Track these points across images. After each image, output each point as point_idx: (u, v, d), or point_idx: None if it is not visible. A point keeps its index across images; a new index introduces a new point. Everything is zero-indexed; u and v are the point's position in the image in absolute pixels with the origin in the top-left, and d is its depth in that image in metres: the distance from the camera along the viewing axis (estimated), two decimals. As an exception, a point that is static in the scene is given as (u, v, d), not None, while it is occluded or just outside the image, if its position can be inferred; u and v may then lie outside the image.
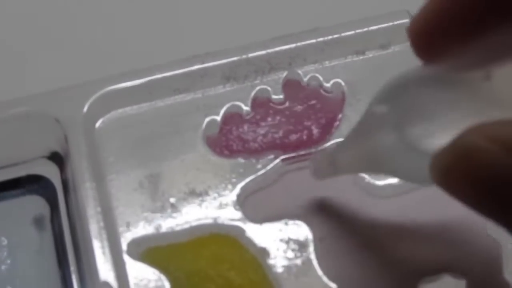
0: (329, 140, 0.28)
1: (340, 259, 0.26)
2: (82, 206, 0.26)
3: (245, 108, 0.28)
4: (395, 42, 0.29)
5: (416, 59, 0.19)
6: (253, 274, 0.25)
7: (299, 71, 0.29)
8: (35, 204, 0.28)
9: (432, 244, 0.26)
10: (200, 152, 0.28)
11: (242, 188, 0.27)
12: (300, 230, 0.26)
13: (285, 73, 0.29)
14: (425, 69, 0.19)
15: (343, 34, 0.29)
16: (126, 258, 0.26)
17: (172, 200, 0.27)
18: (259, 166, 0.27)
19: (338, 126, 0.28)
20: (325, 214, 0.27)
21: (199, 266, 0.25)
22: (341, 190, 0.27)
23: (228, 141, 0.28)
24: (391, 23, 0.29)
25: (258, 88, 0.29)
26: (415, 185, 0.25)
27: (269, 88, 0.29)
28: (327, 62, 0.29)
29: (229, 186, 0.27)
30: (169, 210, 0.27)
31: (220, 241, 0.26)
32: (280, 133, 0.28)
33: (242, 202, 0.27)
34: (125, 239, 0.26)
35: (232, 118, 0.28)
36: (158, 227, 0.26)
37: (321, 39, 0.29)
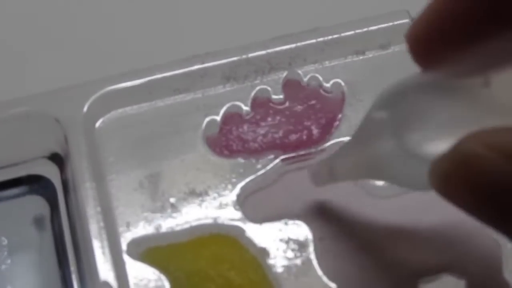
0: (329, 140, 0.28)
1: (340, 259, 0.26)
2: (82, 206, 0.26)
3: (245, 108, 0.28)
4: (395, 42, 0.29)
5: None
6: (253, 274, 0.25)
7: (299, 71, 0.29)
8: (35, 204, 0.28)
9: (432, 244, 0.26)
10: (200, 152, 0.28)
11: (242, 188, 0.27)
12: (300, 230, 0.26)
13: (285, 73, 0.29)
14: (423, 75, 0.19)
15: (343, 34, 0.29)
16: (126, 258, 0.26)
17: (172, 200, 0.27)
18: (259, 166, 0.27)
19: (338, 126, 0.28)
20: (325, 214, 0.27)
21: (199, 266, 0.25)
22: (341, 190, 0.27)
23: (228, 141, 0.28)
24: (391, 23, 0.29)
25: (258, 88, 0.29)
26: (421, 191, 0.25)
27: (269, 88, 0.29)
28: (327, 62, 0.29)
29: (229, 186, 0.27)
30: (169, 210, 0.27)
31: (220, 241, 0.26)
32: (280, 133, 0.28)
33: (242, 202, 0.27)
34: (125, 239, 0.26)
35: (232, 118, 0.28)
36: (158, 227, 0.26)
37: (321, 39, 0.29)
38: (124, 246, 0.26)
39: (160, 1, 0.35)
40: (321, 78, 0.29)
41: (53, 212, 0.28)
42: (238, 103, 0.28)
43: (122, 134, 0.28)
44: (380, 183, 0.27)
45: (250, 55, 0.29)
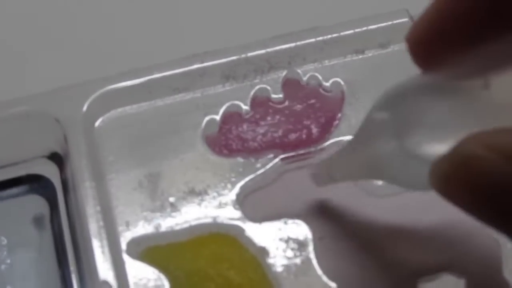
0: (328, 139, 0.28)
1: (339, 258, 0.26)
2: (82, 206, 0.26)
3: (245, 107, 0.28)
4: (395, 41, 0.29)
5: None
6: (252, 273, 0.25)
7: (299, 70, 0.29)
8: (34, 204, 0.28)
9: (432, 244, 0.26)
10: (199, 151, 0.28)
11: (242, 187, 0.27)
12: (300, 229, 0.26)
13: (284, 72, 0.29)
14: (424, 77, 0.19)
15: (342, 33, 0.29)
16: (126, 257, 0.26)
17: (171, 199, 0.27)
18: (258, 165, 0.27)
19: (337, 125, 0.28)
20: (324, 213, 0.27)
21: (199, 265, 0.25)
22: (340, 189, 0.27)
23: (227, 140, 0.28)
24: (390, 22, 0.29)
25: (257, 87, 0.29)
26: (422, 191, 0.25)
27: (268, 87, 0.29)
28: (326, 61, 0.29)
29: (229, 185, 0.27)
30: (168, 210, 0.27)
31: (219, 240, 0.26)
32: (280, 132, 0.28)
33: (241, 201, 0.27)
34: (125, 238, 0.26)
35: (232, 117, 0.28)
36: (157, 227, 0.26)
37: (320, 38, 0.29)
38: (123, 246, 0.26)
39: (160, 0, 0.35)
40: (320, 77, 0.29)
41: (53, 211, 0.28)
42: (237, 102, 0.28)
43: (121, 134, 0.28)
44: (380, 183, 0.27)
45: (250, 54, 0.29)
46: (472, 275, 0.25)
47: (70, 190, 0.27)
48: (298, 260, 0.26)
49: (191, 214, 0.27)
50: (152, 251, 0.26)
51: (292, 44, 0.29)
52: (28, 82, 0.33)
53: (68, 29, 0.34)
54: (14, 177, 0.28)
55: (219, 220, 0.26)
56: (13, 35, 0.34)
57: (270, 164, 0.27)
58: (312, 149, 0.28)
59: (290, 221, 0.26)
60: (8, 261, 0.27)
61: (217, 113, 0.28)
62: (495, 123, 0.16)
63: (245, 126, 0.28)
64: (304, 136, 0.28)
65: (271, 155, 0.28)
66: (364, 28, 0.29)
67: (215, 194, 0.27)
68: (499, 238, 0.26)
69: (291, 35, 0.29)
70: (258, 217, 0.26)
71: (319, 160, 0.27)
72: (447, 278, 0.26)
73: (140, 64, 0.29)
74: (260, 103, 0.29)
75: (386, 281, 0.26)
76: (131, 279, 0.25)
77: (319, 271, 0.25)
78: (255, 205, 0.27)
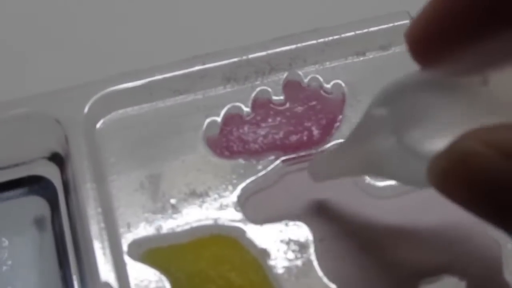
0: (329, 141, 0.28)
1: (340, 260, 0.26)
2: (83, 207, 0.26)
3: (246, 109, 0.28)
4: (396, 43, 0.29)
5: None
6: (253, 275, 0.25)
7: (300, 72, 0.29)
8: (35, 205, 0.28)
9: (432, 245, 0.26)
10: (200, 153, 0.28)
11: (243, 189, 0.27)
12: (301, 231, 0.26)
13: (285, 74, 0.29)
14: (423, 73, 0.19)
15: (343, 35, 0.29)
16: (127, 259, 0.26)
17: (172, 201, 0.27)
18: (259, 167, 0.27)
19: (338, 127, 0.28)
20: (325, 215, 0.27)
21: (200, 267, 0.25)
22: (341, 191, 0.27)
23: (228, 142, 0.28)
24: (391, 24, 0.29)
25: (258, 89, 0.29)
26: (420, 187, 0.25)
27: (269, 89, 0.29)
28: (327, 63, 0.29)
29: (230, 187, 0.27)
30: (169, 211, 0.27)
31: (220, 242, 0.26)
32: (281, 134, 0.28)
33: (242, 203, 0.27)
34: (126, 240, 0.26)
35: (233, 119, 0.28)
36: (158, 228, 0.26)
37: (321, 40, 0.29)
38: (124, 247, 0.26)
39: (161, 1, 0.35)
40: (321, 79, 0.29)
41: (54, 213, 0.28)
42: (238, 104, 0.29)
43: (122, 135, 0.28)
44: (380, 183, 0.27)
45: (251, 56, 0.29)
46: (472, 276, 0.25)
47: (71, 192, 0.27)
48: (299, 262, 0.26)
49: (192, 215, 0.27)
50: (153, 252, 0.26)
51: (293, 46, 0.29)
52: (29, 83, 0.33)
53: (69, 30, 0.34)
54: (15, 178, 0.28)
55: (220, 221, 0.26)
56: (14, 36, 0.34)
57: (271, 166, 0.27)
58: (313, 150, 0.28)
59: (291, 223, 0.26)
60: (9, 262, 0.27)
61: (218, 115, 0.28)
62: (493, 119, 0.16)
63: (246, 128, 0.28)
64: (305, 138, 0.28)
65: (272, 157, 0.28)
66: (365, 30, 0.29)
67: (216, 195, 0.27)
68: (499, 238, 0.26)
69: (292, 37, 0.29)
70: (259, 219, 0.26)
71: (318, 154, 0.27)
72: (447, 279, 0.26)
73: (141, 65, 0.29)
74: (261, 104, 0.29)
75: (387, 282, 0.26)
76: (132, 281, 0.25)
77: (320, 273, 0.26)
78: (256, 207, 0.27)
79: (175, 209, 0.27)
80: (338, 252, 0.26)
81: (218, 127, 0.28)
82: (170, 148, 0.28)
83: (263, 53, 0.29)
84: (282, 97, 0.29)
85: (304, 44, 0.29)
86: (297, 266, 0.26)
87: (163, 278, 0.25)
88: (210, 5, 0.35)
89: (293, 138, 0.28)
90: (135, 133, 0.28)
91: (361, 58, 0.29)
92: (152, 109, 0.29)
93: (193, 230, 0.26)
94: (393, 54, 0.29)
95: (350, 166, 0.23)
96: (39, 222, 0.28)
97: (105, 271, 0.25)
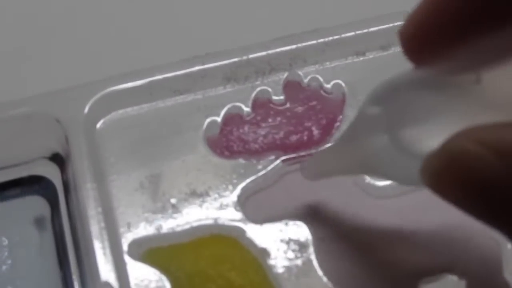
0: (329, 141, 0.28)
1: (340, 260, 0.26)
2: (83, 207, 0.26)
3: (246, 109, 0.29)
4: (395, 43, 0.29)
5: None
6: (253, 275, 0.25)
7: (300, 72, 0.29)
8: (36, 205, 0.28)
9: (432, 245, 0.26)
10: (200, 153, 0.28)
11: (243, 189, 0.27)
12: (301, 231, 0.26)
13: (285, 74, 0.29)
14: (416, 72, 0.19)
15: (343, 35, 0.29)
16: (127, 258, 0.26)
17: (173, 200, 0.27)
18: (259, 167, 0.27)
19: (338, 127, 0.28)
20: (325, 215, 0.27)
21: (200, 266, 0.25)
22: (341, 190, 0.27)
23: (228, 142, 0.28)
24: (391, 24, 0.29)
25: (258, 89, 0.29)
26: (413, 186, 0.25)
27: (269, 89, 0.29)
28: (327, 63, 0.29)
29: (230, 187, 0.27)
30: (170, 211, 0.27)
31: (220, 242, 0.26)
32: (281, 134, 0.28)
33: (242, 203, 0.27)
34: (126, 239, 0.26)
35: (233, 119, 0.28)
36: (159, 228, 0.26)
37: (321, 40, 0.29)
38: (125, 247, 0.26)
39: (161, 2, 0.35)
40: (321, 79, 0.29)
41: (54, 212, 0.28)
42: (238, 104, 0.29)
43: (123, 135, 0.28)
44: (380, 183, 0.27)
45: (251, 56, 0.29)
46: (472, 276, 0.25)
47: (71, 191, 0.27)
48: (299, 262, 0.26)
49: (192, 215, 0.27)
50: (153, 252, 0.26)
51: (293, 46, 0.29)
52: (29, 83, 0.33)
53: (69, 30, 0.34)
54: (16, 178, 0.28)
55: (220, 221, 0.26)
56: (13, 35, 0.34)
57: (271, 166, 0.27)
58: (313, 150, 0.28)
59: (291, 223, 0.26)
60: (9, 261, 0.27)
61: (218, 115, 0.28)
62: (486, 118, 0.16)
63: (246, 128, 0.28)
64: (305, 137, 0.28)
65: (272, 157, 0.28)
66: (365, 30, 0.29)
67: (216, 195, 0.27)
68: (499, 239, 0.26)
69: (292, 37, 0.29)
70: (259, 219, 0.26)
71: (312, 153, 0.27)
72: (448, 279, 0.26)
73: (142, 65, 0.29)
74: (261, 104, 0.29)
75: (387, 282, 0.26)
76: (133, 280, 0.25)
77: (320, 272, 0.26)
78: (256, 207, 0.27)
79: (175, 208, 0.27)
80: (338, 252, 0.26)
81: (218, 127, 0.28)
82: (170, 148, 0.28)
83: (263, 53, 0.29)
84: (282, 97, 0.29)
85: (304, 44, 0.29)
86: (297, 266, 0.26)
87: (163, 277, 0.25)
88: (210, 5, 0.35)
89: (293, 138, 0.28)
90: (135, 133, 0.28)
91: (361, 58, 0.30)
92: (152, 109, 0.29)
93: (193, 229, 0.26)
94: (393, 54, 0.29)
95: (344, 164, 0.23)
96: (39, 222, 0.28)
97: (105, 270, 0.25)
